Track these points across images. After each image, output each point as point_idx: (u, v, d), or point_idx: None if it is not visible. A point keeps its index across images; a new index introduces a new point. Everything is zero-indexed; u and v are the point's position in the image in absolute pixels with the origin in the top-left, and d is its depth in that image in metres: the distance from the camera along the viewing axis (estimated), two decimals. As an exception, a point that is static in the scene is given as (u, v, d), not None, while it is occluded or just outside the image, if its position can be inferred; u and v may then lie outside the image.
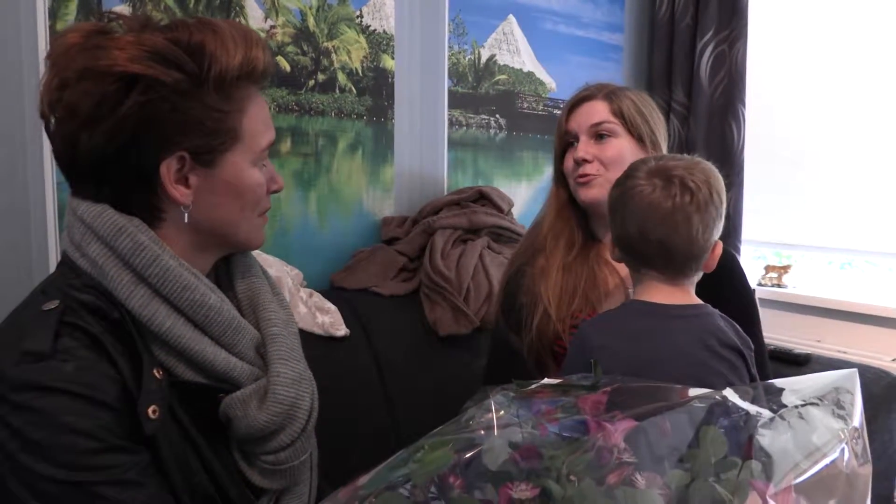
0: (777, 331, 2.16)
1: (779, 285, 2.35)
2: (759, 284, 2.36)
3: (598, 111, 1.19)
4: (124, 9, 1.43)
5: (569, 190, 1.23)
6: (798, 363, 1.81)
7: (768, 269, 2.39)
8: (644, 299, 0.94)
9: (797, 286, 2.34)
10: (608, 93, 1.21)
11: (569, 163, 1.21)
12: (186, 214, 0.75)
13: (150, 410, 0.69)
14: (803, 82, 2.29)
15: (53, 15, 1.34)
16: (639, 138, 1.20)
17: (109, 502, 0.65)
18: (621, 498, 0.53)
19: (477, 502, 0.59)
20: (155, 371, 0.72)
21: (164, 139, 0.72)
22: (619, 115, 1.19)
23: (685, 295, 0.95)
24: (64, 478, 0.64)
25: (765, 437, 0.55)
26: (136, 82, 0.69)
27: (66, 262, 0.76)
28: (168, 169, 0.73)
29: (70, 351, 0.68)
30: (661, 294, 0.93)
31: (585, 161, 1.17)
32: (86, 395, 0.66)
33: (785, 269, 2.36)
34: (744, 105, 2.29)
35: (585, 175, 1.17)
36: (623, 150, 1.18)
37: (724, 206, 0.94)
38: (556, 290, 1.18)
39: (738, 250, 2.34)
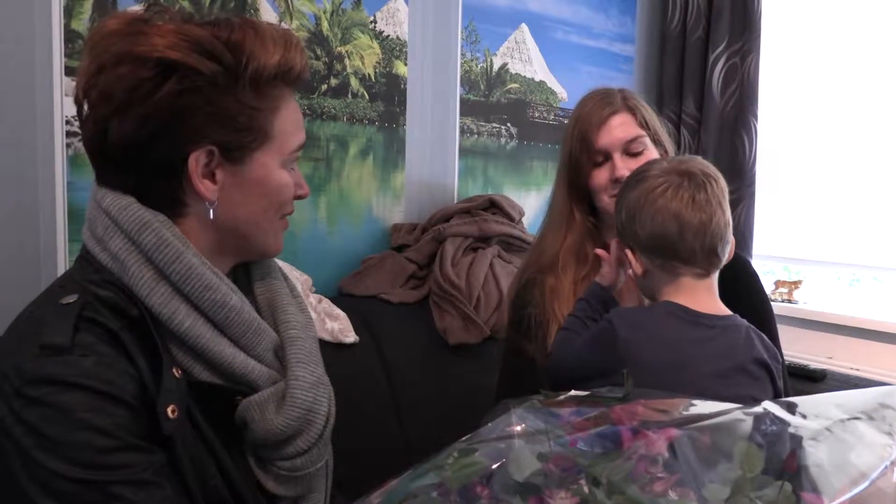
0: (788, 347, 2.12)
1: (789, 301, 2.33)
2: (770, 300, 2.34)
3: (627, 126, 1.17)
4: (140, 9, 1.42)
5: (582, 206, 1.21)
6: (814, 379, 1.79)
7: (778, 284, 2.37)
8: (678, 302, 0.93)
9: (808, 302, 2.32)
10: (626, 104, 1.20)
11: (602, 180, 1.17)
12: (211, 210, 0.74)
13: (169, 410, 0.67)
14: (816, 96, 2.27)
15: (68, 14, 1.33)
16: (657, 142, 1.21)
17: (124, 502, 0.63)
18: None
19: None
20: (174, 370, 0.70)
21: (195, 131, 0.71)
22: (645, 125, 1.19)
23: (715, 300, 0.95)
24: (78, 476, 0.62)
25: (813, 450, 0.53)
26: (173, 70, 0.68)
27: (85, 257, 0.75)
28: (196, 162, 0.71)
29: (89, 346, 0.66)
30: (697, 297, 0.93)
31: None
32: (104, 391, 0.64)
33: (796, 284, 2.34)
34: (756, 118, 2.28)
35: None
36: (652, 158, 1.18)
37: None
38: (570, 308, 1.16)
39: (748, 264, 2.32)
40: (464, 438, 0.69)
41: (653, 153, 1.18)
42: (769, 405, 0.59)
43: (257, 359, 0.77)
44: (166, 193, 0.73)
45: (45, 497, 0.62)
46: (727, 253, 0.96)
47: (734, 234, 2.40)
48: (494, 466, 0.62)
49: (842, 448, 0.54)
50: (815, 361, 2.04)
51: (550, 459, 0.62)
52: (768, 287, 2.38)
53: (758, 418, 0.59)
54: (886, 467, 0.53)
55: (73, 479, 0.62)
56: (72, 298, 0.69)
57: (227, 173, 0.74)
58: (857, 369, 2.08)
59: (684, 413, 0.62)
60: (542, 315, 1.19)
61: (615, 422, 0.64)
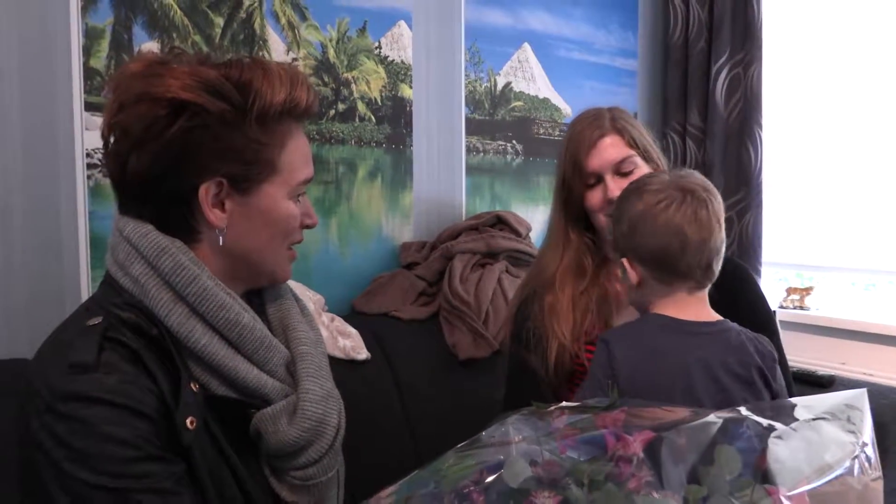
0: (801, 353, 2.14)
1: (801, 307, 2.33)
2: (781, 307, 2.34)
3: (616, 148, 1.21)
4: (154, 45, 1.49)
5: (578, 224, 1.25)
6: (822, 385, 1.79)
7: (790, 290, 2.37)
8: (668, 314, 0.96)
9: (820, 308, 2.32)
10: (615, 126, 1.23)
11: (596, 200, 1.21)
12: (221, 238, 0.79)
13: (188, 421, 0.72)
14: (820, 102, 2.29)
15: (87, 53, 1.41)
16: (648, 158, 1.24)
17: None
18: (641, 502, 0.55)
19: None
20: (192, 385, 0.75)
21: (205, 164, 0.76)
22: (634, 145, 1.22)
23: (706, 310, 0.98)
24: (105, 484, 0.67)
25: (778, 447, 0.56)
26: (184, 109, 0.74)
27: (108, 282, 0.80)
28: (206, 192, 0.77)
29: (112, 364, 0.71)
30: (687, 309, 0.96)
31: None
32: (126, 405, 0.69)
33: (807, 290, 2.34)
34: (760, 127, 2.30)
35: None
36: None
37: None
38: (569, 324, 1.20)
39: (758, 273, 2.32)
40: (460, 445, 0.73)
41: (644, 170, 1.21)
42: (742, 409, 0.62)
43: (270, 374, 0.81)
44: (181, 221, 0.78)
45: None
46: (720, 267, 0.99)
47: (743, 243, 2.41)
48: (490, 479, 0.66)
49: (806, 445, 0.56)
50: (827, 368, 2.04)
51: (541, 465, 0.66)
52: (780, 294, 2.38)
53: (732, 422, 0.62)
54: (850, 463, 0.55)
55: (99, 488, 0.67)
56: (97, 320, 0.74)
57: (236, 203, 0.79)
58: (871, 375, 2.07)
59: (663, 419, 0.65)
60: (541, 330, 1.22)
61: (599, 427, 0.67)
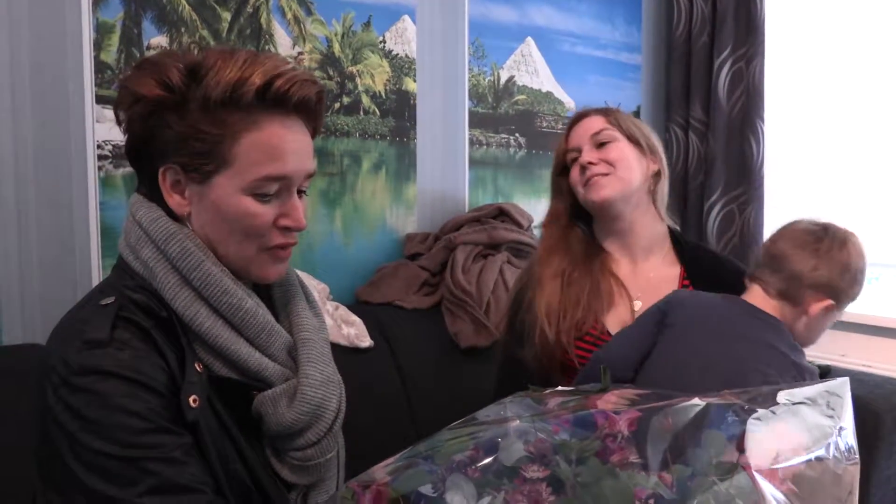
0: (800, 345, 2.16)
1: (801, 299, 2.34)
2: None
3: (595, 123, 1.26)
4: (163, 40, 1.52)
5: (567, 202, 1.29)
6: (818, 375, 1.81)
7: (790, 283, 2.39)
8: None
9: (820, 300, 2.33)
10: (602, 110, 1.29)
11: (575, 174, 1.26)
12: (189, 224, 0.82)
13: (191, 399, 0.75)
14: (821, 97, 2.30)
15: (98, 47, 1.44)
16: (636, 143, 1.26)
17: (156, 477, 0.71)
18: (624, 477, 0.58)
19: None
20: (197, 365, 0.78)
21: (159, 151, 0.80)
22: (616, 124, 1.26)
23: None
24: (117, 453, 0.70)
25: (757, 427, 0.59)
26: (139, 99, 0.78)
27: (120, 266, 0.84)
28: (164, 177, 0.80)
29: (125, 341, 0.75)
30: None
31: (591, 164, 1.23)
32: (138, 380, 0.73)
33: (807, 283, 2.35)
34: (762, 121, 2.32)
35: (594, 176, 1.22)
36: (625, 151, 1.24)
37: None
38: (551, 303, 1.22)
39: (759, 265, 2.34)
40: (454, 423, 0.76)
41: (624, 146, 1.24)
42: (727, 394, 0.65)
43: (271, 358, 0.84)
44: (163, 203, 0.82)
45: (88, 474, 0.70)
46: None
47: (744, 236, 2.41)
48: (488, 460, 0.69)
49: (784, 426, 0.59)
50: (826, 360, 2.06)
51: (532, 443, 0.69)
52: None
53: (716, 406, 0.64)
54: (827, 445, 0.58)
55: (112, 457, 0.70)
56: (110, 300, 0.78)
57: (193, 192, 0.80)
58: (870, 366, 2.09)
59: (651, 402, 0.68)
60: (531, 317, 1.24)
61: (589, 408, 0.70)
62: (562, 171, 1.29)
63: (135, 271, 0.81)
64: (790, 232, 1.11)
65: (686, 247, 1.31)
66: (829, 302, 1.06)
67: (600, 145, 1.24)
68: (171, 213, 0.82)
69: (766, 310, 1.06)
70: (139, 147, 0.81)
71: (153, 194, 0.82)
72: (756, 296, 1.09)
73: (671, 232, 1.32)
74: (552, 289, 1.23)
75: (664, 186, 1.29)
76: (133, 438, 0.71)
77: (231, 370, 0.81)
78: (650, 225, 1.28)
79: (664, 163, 1.28)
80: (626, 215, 1.25)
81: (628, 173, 1.23)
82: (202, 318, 0.79)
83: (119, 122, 0.82)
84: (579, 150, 1.26)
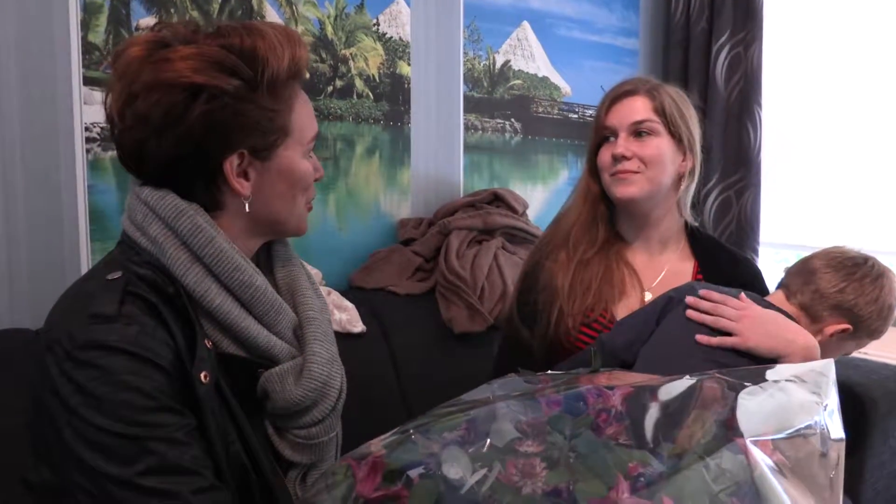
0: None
1: (798, 287, 2.33)
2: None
3: (639, 108, 1.18)
4: (152, 20, 1.50)
5: (600, 184, 1.23)
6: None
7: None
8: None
9: (817, 287, 2.32)
10: (650, 88, 1.19)
11: (605, 157, 1.19)
12: (247, 204, 0.82)
13: (202, 375, 0.75)
14: (820, 83, 2.29)
15: (85, 27, 1.42)
16: (678, 139, 1.19)
17: (158, 456, 0.70)
18: (618, 451, 0.57)
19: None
20: (206, 342, 0.78)
21: (227, 141, 0.78)
22: (661, 112, 1.18)
23: None
24: (120, 430, 0.69)
25: (746, 401, 0.59)
26: (200, 92, 0.75)
27: (125, 242, 0.83)
28: (231, 166, 0.79)
29: (133, 316, 0.73)
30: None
31: (625, 158, 1.17)
32: (145, 357, 0.72)
33: (804, 270, 2.35)
34: (760, 107, 2.30)
35: (624, 171, 1.17)
36: (663, 149, 1.17)
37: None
38: (571, 283, 1.19)
39: (756, 252, 2.34)
40: (444, 404, 0.76)
41: (664, 142, 1.17)
42: (716, 373, 0.64)
43: (278, 335, 0.84)
44: (206, 194, 0.81)
45: (88, 450, 0.69)
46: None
47: (742, 223, 2.41)
48: (488, 441, 0.68)
49: (772, 401, 0.59)
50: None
51: (525, 421, 0.68)
52: (779, 275, 2.39)
53: (706, 382, 0.64)
54: (813, 421, 0.58)
55: (114, 434, 0.69)
56: (117, 275, 0.77)
57: (258, 171, 0.81)
58: (866, 353, 2.08)
59: (641, 382, 0.67)
60: (547, 296, 1.21)
61: (580, 386, 0.69)
62: (596, 147, 1.22)
63: (141, 247, 0.80)
64: (832, 252, 1.11)
65: (702, 242, 1.29)
66: (847, 326, 1.05)
67: (638, 134, 1.18)
68: (184, 197, 0.80)
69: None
70: (193, 147, 0.77)
71: (185, 193, 0.80)
72: (778, 300, 1.09)
73: (687, 226, 1.29)
74: (575, 270, 1.20)
75: (692, 185, 1.24)
76: (137, 416, 0.70)
77: (239, 347, 0.81)
78: (671, 219, 1.25)
79: (699, 160, 1.22)
80: (649, 211, 1.22)
81: (659, 174, 1.17)
82: (213, 294, 0.78)
83: (146, 128, 0.77)
84: (615, 133, 1.19)
